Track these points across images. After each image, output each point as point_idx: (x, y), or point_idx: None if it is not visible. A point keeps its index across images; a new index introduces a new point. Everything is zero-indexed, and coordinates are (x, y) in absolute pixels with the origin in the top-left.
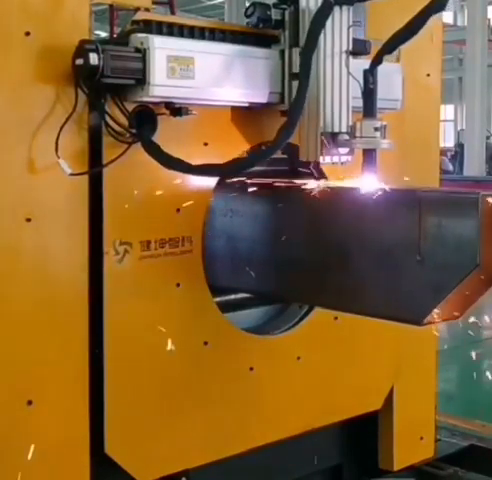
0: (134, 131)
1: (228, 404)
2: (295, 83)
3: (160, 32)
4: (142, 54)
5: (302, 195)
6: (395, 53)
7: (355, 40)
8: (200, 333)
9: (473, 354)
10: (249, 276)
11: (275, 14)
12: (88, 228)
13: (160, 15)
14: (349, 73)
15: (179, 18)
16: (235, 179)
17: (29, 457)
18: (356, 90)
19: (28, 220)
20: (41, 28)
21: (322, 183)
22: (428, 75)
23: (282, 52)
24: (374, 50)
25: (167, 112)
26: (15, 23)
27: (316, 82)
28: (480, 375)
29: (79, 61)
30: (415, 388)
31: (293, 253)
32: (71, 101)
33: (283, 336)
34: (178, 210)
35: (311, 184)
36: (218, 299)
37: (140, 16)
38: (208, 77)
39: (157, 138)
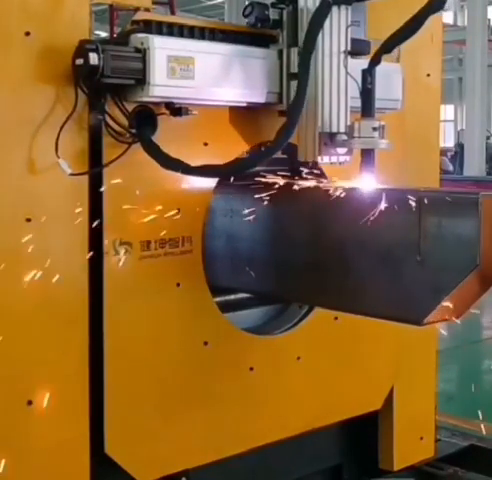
0: (134, 131)
1: (228, 404)
2: (293, 83)
3: (160, 32)
4: (142, 54)
5: (302, 195)
6: (395, 53)
7: (354, 40)
8: (200, 333)
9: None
10: (249, 276)
11: (273, 14)
12: (88, 228)
13: (160, 15)
14: (347, 73)
15: (179, 18)
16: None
17: (29, 457)
18: (355, 90)
19: (28, 220)
20: (41, 28)
21: (322, 183)
22: (428, 75)
23: (280, 52)
24: (374, 50)
25: (167, 112)
26: (15, 23)
27: (314, 82)
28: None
29: (79, 61)
30: (415, 388)
31: (293, 253)
32: (71, 101)
33: (283, 336)
34: (178, 210)
35: (311, 184)
36: (218, 299)
37: (140, 16)
38: (208, 77)
39: (157, 138)
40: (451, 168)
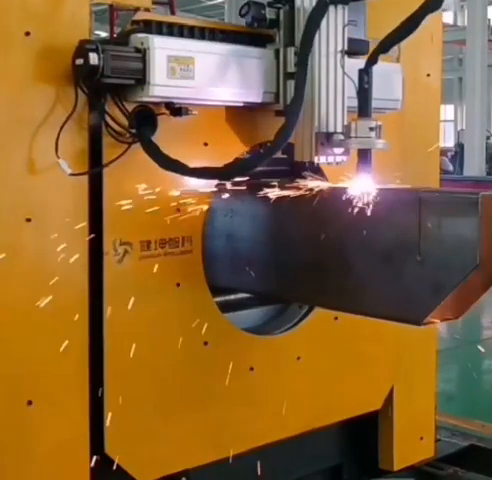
0: (134, 131)
1: (228, 404)
2: (290, 82)
3: (160, 32)
4: (142, 54)
5: (302, 195)
6: (395, 53)
7: (352, 40)
8: (200, 333)
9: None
10: (249, 276)
11: (270, 13)
12: (88, 228)
13: (160, 15)
14: (344, 73)
15: (179, 18)
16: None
17: (29, 457)
18: (352, 90)
19: (28, 220)
20: (41, 28)
21: (322, 183)
22: (428, 75)
23: (277, 51)
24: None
25: (167, 112)
26: (15, 23)
27: (311, 82)
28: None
29: (79, 61)
30: (415, 388)
31: (293, 253)
32: (71, 101)
33: (283, 336)
34: (178, 210)
35: (311, 184)
36: (218, 299)
37: (140, 16)
38: (208, 77)
39: (157, 138)
40: (451, 168)
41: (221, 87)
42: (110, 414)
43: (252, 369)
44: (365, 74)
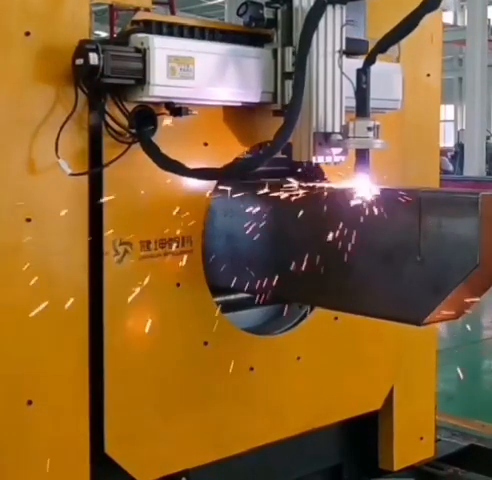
0: (134, 131)
1: (228, 404)
2: (288, 82)
3: (160, 32)
4: (142, 54)
5: (302, 195)
6: (395, 53)
7: (351, 40)
8: (200, 333)
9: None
10: (249, 276)
11: (268, 13)
12: (88, 228)
13: (160, 15)
14: (342, 73)
15: (179, 18)
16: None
17: (29, 457)
18: (350, 90)
19: (28, 220)
20: (41, 28)
21: (322, 183)
22: (428, 75)
23: (275, 51)
24: None
25: (167, 112)
26: (15, 23)
27: (309, 82)
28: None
29: (79, 61)
30: (415, 388)
31: (293, 253)
32: (71, 101)
33: (283, 336)
34: (178, 210)
35: (311, 184)
36: (218, 299)
37: (140, 16)
38: (208, 77)
39: (157, 138)
40: (451, 168)
41: (221, 87)
42: (110, 414)
43: (252, 369)
44: (363, 74)
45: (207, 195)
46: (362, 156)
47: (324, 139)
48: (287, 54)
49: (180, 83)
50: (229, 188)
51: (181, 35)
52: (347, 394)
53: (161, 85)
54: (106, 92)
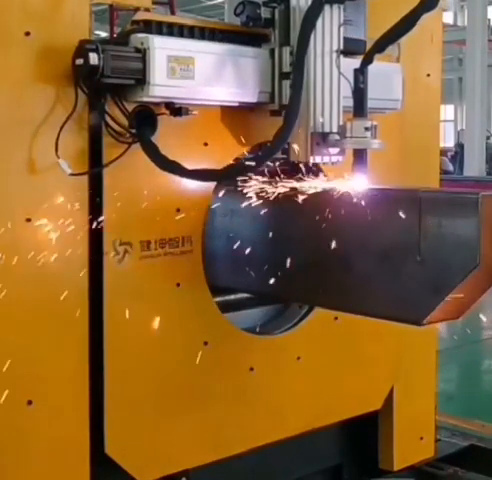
0: (134, 131)
1: (228, 404)
2: (285, 82)
3: (160, 32)
4: (142, 54)
5: (302, 195)
6: (395, 53)
7: (349, 39)
8: (200, 333)
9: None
10: (249, 276)
11: (265, 12)
12: (88, 228)
13: (160, 15)
14: (340, 73)
15: (179, 18)
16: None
17: (29, 457)
18: (348, 90)
19: (28, 220)
20: (41, 28)
21: (322, 183)
22: (428, 75)
23: (272, 51)
24: None
25: (167, 112)
26: (15, 23)
27: (306, 82)
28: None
29: (79, 61)
30: (415, 388)
31: (293, 253)
32: (71, 101)
33: (283, 336)
34: (178, 210)
35: (311, 184)
36: (218, 299)
37: (140, 16)
38: (208, 77)
39: (157, 138)
40: (451, 168)
41: (221, 87)
42: (110, 414)
43: (252, 369)
44: (360, 74)
45: (207, 195)
46: (360, 156)
47: (322, 139)
48: (284, 54)
49: (180, 83)
50: (229, 188)
51: (181, 35)
52: (347, 394)
53: (161, 85)
54: (106, 92)
